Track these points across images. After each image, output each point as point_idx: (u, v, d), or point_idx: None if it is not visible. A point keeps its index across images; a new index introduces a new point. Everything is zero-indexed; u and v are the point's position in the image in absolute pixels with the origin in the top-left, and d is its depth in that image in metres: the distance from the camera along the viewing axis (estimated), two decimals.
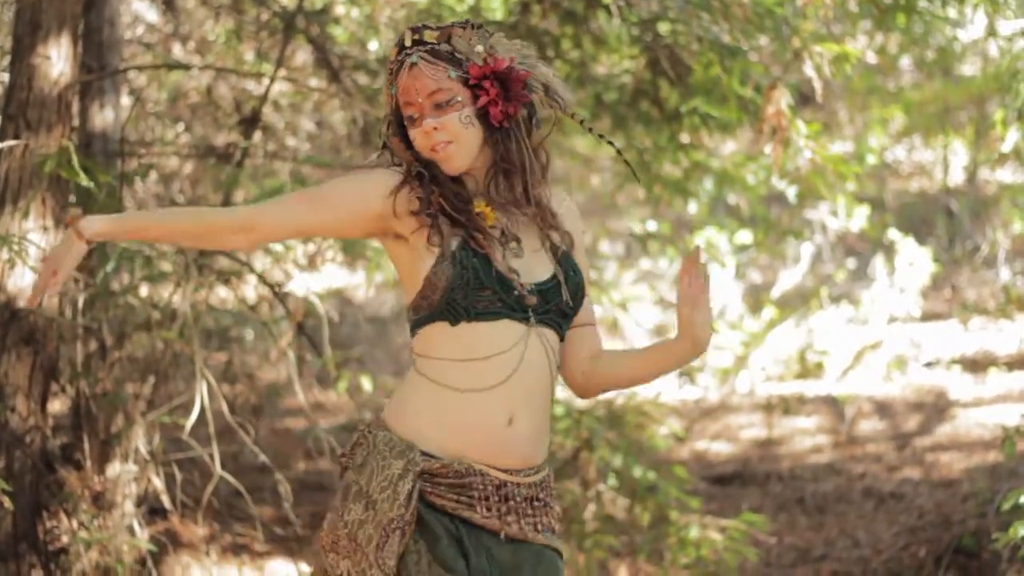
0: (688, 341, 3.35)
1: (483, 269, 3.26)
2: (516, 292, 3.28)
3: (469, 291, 3.26)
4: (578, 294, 3.39)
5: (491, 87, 3.34)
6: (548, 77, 3.45)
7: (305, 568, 7.00)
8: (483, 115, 3.34)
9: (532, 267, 3.34)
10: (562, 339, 3.42)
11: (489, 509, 3.32)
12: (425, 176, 3.34)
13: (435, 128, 3.29)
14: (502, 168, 3.38)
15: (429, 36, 3.35)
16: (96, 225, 3.29)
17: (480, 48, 3.36)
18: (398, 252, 3.39)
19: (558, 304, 3.34)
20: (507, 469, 3.34)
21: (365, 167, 3.50)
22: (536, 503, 3.39)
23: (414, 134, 3.33)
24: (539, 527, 3.39)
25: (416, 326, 3.37)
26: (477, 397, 3.29)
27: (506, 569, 3.33)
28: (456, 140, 3.31)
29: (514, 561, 3.34)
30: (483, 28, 3.41)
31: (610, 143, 3.59)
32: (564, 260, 3.40)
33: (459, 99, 3.32)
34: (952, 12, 7.63)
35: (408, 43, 3.35)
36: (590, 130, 3.62)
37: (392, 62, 3.38)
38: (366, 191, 3.35)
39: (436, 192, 3.32)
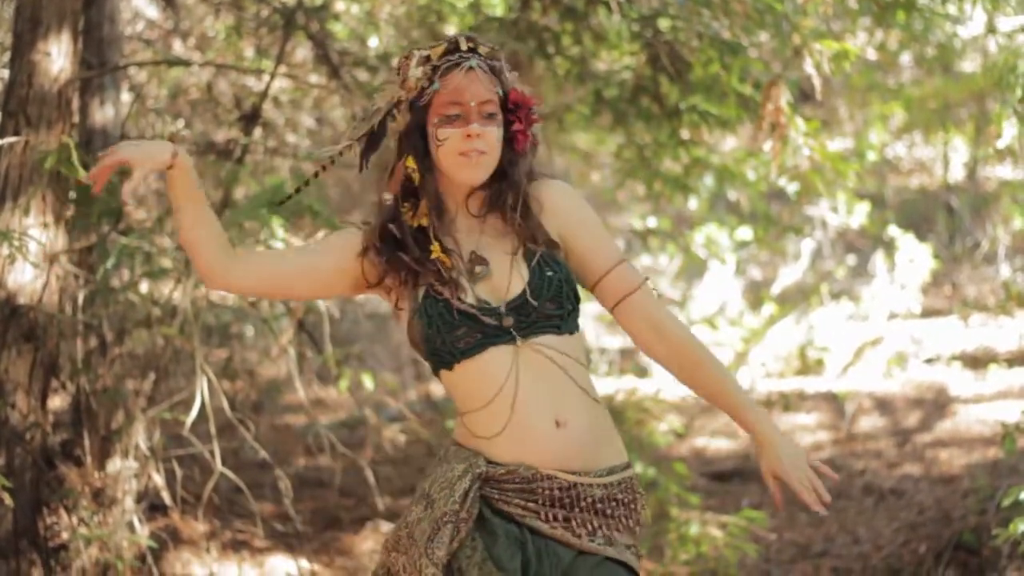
0: (767, 455, 3.55)
1: (447, 311, 3.31)
2: (490, 317, 3.30)
3: (444, 336, 3.31)
4: (560, 292, 3.37)
5: (524, 117, 3.42)
6: (539, 134, 3.53)
7: (305, 564, 7.01)
8: (506, 140, 3.41)
9: (502, 285, 3.36)
10: (572, 332, 3.40)
11: (556, 518, 3.33)
12: (388, 239, 3.40)
13: (479, 135, 3.32)
14: (502, 188, 3.42)
15: (483, 49, 3.41)
16: (187, 164, 3.44)
17: (509, 77, 3.45)
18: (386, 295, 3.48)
19: (540, 311, 3.34)
20: (576, 471, 3.35)
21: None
22: (612, 504, 3.39)
23: (449, 133, 3.33)
24: (612, 539, 3.38)
25: (436, 376, 3.46)
26: (510, 431, 3.33)
27: (566, 573, 3.33)
28: (490, 152, 3.35)
29: (574, 566, 3.34)
30: (506, 62, 3.48)
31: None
32: (541, 262, 3.38)
33: (499, 116, 3.38)
34: (952, 8, 7.63)
35: (464, 48, 3.38)
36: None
37: (438, 59, 3.38)
38: (340, 249, 3.45)
39: (394, 255, 3.39)
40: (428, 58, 3.39)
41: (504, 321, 3.30)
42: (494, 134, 3.35)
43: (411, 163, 3.38)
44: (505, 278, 3.36)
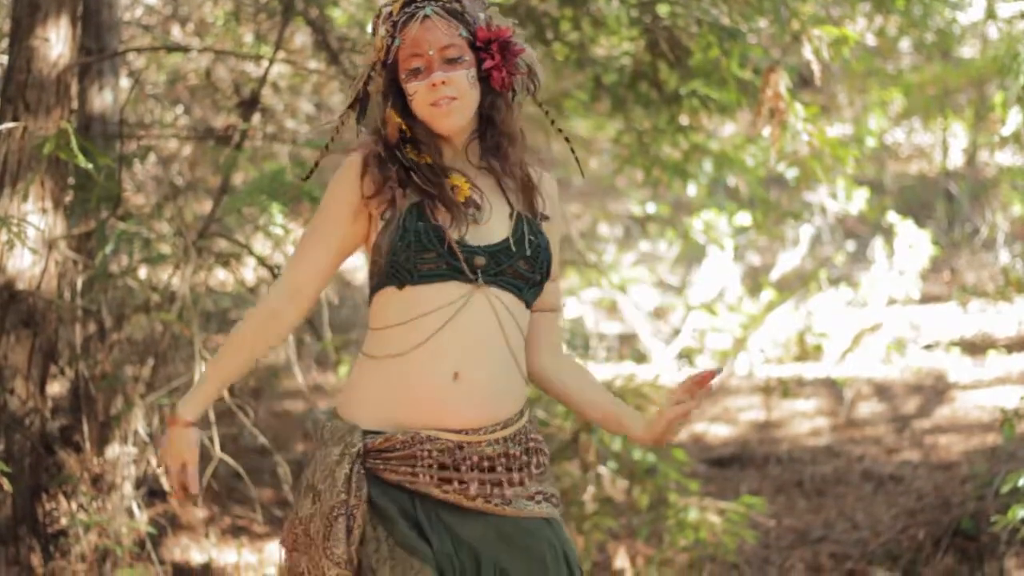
0: (650, 438, 3.46)
1: (426, 233, 3.25)
2: (464, 254, 3.26)
3: (411, 253, 3.25)
4: (537, 257, 3.35)
5: (496, 52, 3.36)
6: (533, 60, 3.47)
7: None
8: (483, 79, 3.36)
9: (489, 230, 3.33)
10: (527, 304, 3.38)
11: (447, 480, 3.27)
12: (381, 154, 3.35)
13: (443, 82, 3.28)
14: (491, 134, 3.39)
15: None
16: (192, 408, 3.42)
17: (482, 15, 3.39)
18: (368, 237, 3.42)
19: (512, 267, 3.31)
20: (461, 429, 3.28)
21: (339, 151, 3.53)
22: (504, 460, 3.32)
23: (416, 87, 3.31)
24: (507, 495, 3.31)
25: (371, 296, 3.39)
26: (415, 356, 3.27)
27: (476, 549, 3.27)
28: (461, 97, 3.30)
29: (482, 537, 3.28)
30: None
31: (566, 139, 3.63)
32: (527, 225, 3.37)
33: (466, 58, 3.33)
34: None
35: None
36: (552, 122, 3.63)
37: (396, 13, 3.35)
38: (342, 194, 3.38)
39: (396, 167, 3.33)
40: (390, 14, 3.36)
41: (476, 260, 3.26)
42: (462, 77, 3.30)
43: (395, 117, 3.34)
44: (491, 225, 3.34)
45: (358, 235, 3.40)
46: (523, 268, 3.33)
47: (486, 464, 3.30)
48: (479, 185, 3.37)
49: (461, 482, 3.28)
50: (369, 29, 3.49)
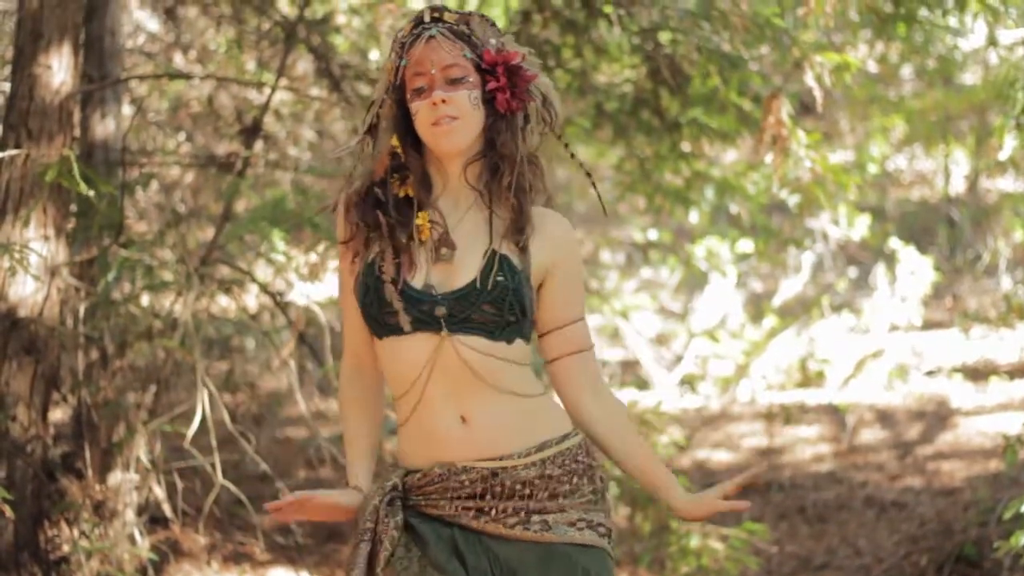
0: (688, 514, 3.48)
1: (380, 288, 3.29)
2: (424, 305, 3.27)
3: (375, 310, 3.30)
4: (504, 299, 3.29)
5: (502, 75, 3.35)
6: (548, 88, 3.46)
7: None
8: (488, 102, 3.35)
9: (457, 272, 3.31)
10: (508, 341, 3.33)
11: (484, 510, 3.29)
12: (360, 194, 3.38)
13: (443, 101, 3.28)
14: (491, 156, 3.38)
15: (448, 17, 3.37)
16: (364, 478, 3.44)
17: (493, 41, 3.39)
18: None
19: (478, 312, 3.28)
20: (495, 457, 3.30)
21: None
22: (543, 483, 3.31)
23: (418, 106, 3.31)
24: (549, 521, 3.31)
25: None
26: (417, 406, 3.32)
27: (514, 565, 3.28)
28: (462, 117, 3.30)
29: (520, 558, 3.29)
30: (496, 26, 3.44)
31: (585, 171, 3.58)
32: (499, 263, 3.32)
33: (470, 79, 3.32)
34: (953, 21, 7.65)
35: (427, 19, 3.36)
36: (572, 155, 3.61)
37: (404, 36, 3.37)
38: (340, 237, 3.43)
39: (371, 209, 3.36)
40: (401, 38, 3.38)
41: (437, 310, 3.26)
42: (463, 98, 3.30)
43: (394, 141, 3.36)
44: (460, 269, 3.32)
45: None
46: (489, 312, 3.29)
47: (524, 490, 3.31)
48: (466, 221, 3.36)
49: (499, 510, 3.30)
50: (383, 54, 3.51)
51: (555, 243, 3.42)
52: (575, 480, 3.37)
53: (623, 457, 3.47)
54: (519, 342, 3.35)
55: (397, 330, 3.28)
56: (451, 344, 3.27)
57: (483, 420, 3.30)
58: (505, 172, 3.37)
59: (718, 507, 3.43)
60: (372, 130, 3.45)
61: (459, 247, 3.33)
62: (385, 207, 3.33)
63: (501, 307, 3.29)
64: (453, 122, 3.29)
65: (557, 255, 3.41)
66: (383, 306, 3.28)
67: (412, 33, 3.35)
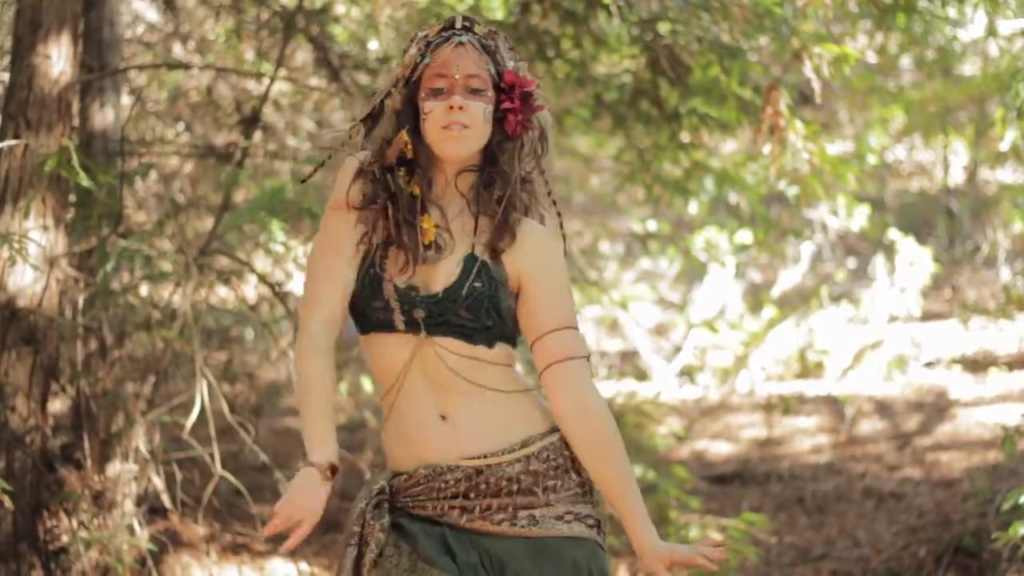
0: (645, 557, 3.42)
1: (377, 282, 3.31)
2: (405, 306, 3.29)
3: (365, 302, 3.32)
4: (480, 305, 3.31)
5: (516, 98, 3.37)
6: (547, 122, 3.49)
7: (305, 567, 7.01)
8: (497, 120, 3.37)
9: (438, 275, 3.33)
10: (489, 345, 3.34)
11: (470, 509, 3.31)
12: (375, 173, 3.37)
13: (460, 107, 3.29)
14: (489, 170, 3.39)
15: (479, 29, 3.40)
16: (328, 450, 3.33)
17: (512, 64, 3.42)
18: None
19: (456, 315, 3.30)
20: (478, 455, 3.32)
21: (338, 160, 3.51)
22: (530, 479, 3.33)
23: (433, 106, 3.31)
24: (536, 516, 3.33)
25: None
26: (396, 402, 3.34)
27: (503, 561, 3.30)
28: (473, 127, 3.31)
29: (509, 552, 3.31)
30: (516, 49, 3.47)
31: (557, 212, 3.52)
32: (477, 270, 3.34)
33: (488, 94, 3.34)
34: (952, 12, 7.64)
35: (459, 25, 3.38)
36: (549, 193, 3.53)
37: (432, 36, 3.38)
38: (339, 193, 3.39)
39: (383, 193, 3.35)
40: (426, 35, 3.39)
41: (415, 313, 3.29)
42: (479, 109, 3.31)
43: (405, 136, 3.35)
44: (442, 269, 3.34)
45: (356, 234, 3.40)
46: (464, 317, 3.30)
47: (510, 486, 3.33)
48: (453, 225, 3.37)
49: (483, 508, 3.31)
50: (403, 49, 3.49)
51: (531, 252, 3.40)
52: (560, 474, 3.38)
53: (598, 481, 3.42)
54: (501, 345, 3.37)
55: (384, 327, 3.31)
56: (430, 345, 3.30)
57: (463, 417, 3.33)
58: (498, 187, 3.38)
59: (680, 561, 3.39)
60: (370, 118, 3.46)
61: (445, 250, 3.35)
62: (396, 200, 3.34)
63: (477, 312, 3.31)
64: (464, 130, 3.30)
65: (532, 264, 3.40)
66: (375, 300, 3.30)
67: (441, 35, 3.37)
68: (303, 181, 3.72)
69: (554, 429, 3.39)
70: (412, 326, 3.30)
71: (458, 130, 3.30)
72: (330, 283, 3.38)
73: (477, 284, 3.32)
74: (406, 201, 3.34)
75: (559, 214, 3.53)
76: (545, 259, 3.43)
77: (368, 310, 3.32)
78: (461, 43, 3.34)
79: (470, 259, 3.35)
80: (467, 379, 3.31)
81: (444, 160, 3.37)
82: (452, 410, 3.32)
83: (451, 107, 3.29)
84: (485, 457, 3.32)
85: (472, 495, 3.31)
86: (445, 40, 3.35)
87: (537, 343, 3.39)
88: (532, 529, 3.32)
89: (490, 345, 3.34)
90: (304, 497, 3.31)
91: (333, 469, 3.29)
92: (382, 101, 3.45)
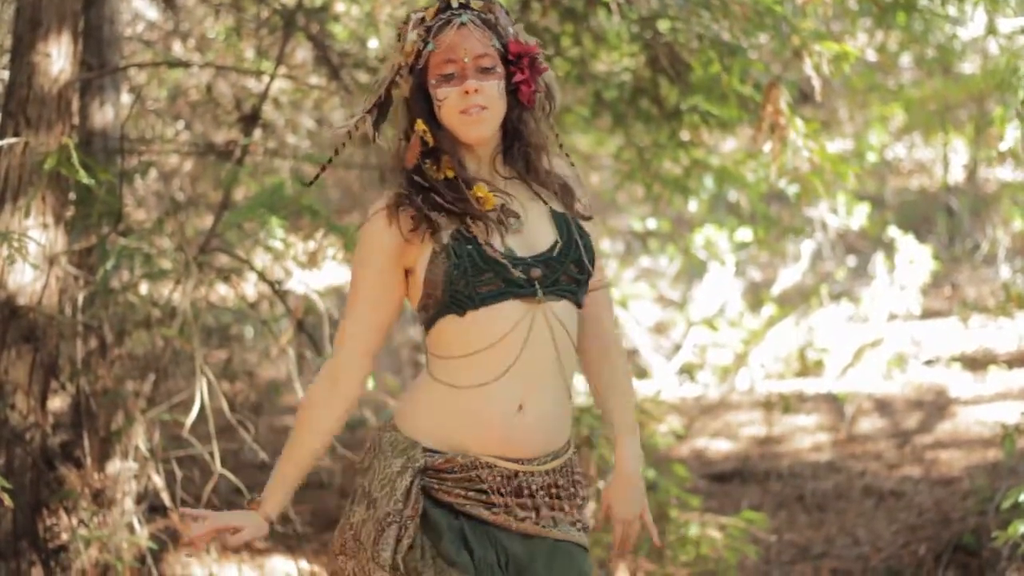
0: (611, 489, 3.62)
1: (478, 253, 3.26)
2: (518, 268, 3.27)
3: (469, 278, 3.25)
4: (589, 257, 3.38)
5: (526, 67, 3.39)
6: (552, 81, 3.50)
7: (305, 565, 7.00)
8: (511, 92, 3.38)
9: (533, 239, 3.35)
10: (580, 305, 3.39)
11: (496, 504, 3.33)
12: (403, 191, 3.35)
13: (476, 90, 3.30)
14: (519, 146, 3.41)
15: (475, 3, 3.39)
16: (270, 504, 3.49)
17: (511, 29, 3.42)
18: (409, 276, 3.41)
19: (567, 272, 3.33)
20: (519, 459, 3.34)
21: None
22: (555, 490, 3.39)
23: (447, 92, 3.32)
24: (556, 519, 3.39)
25: (428, 325, 3.38)
26: (483, 390, 3.30)
27: (521, 563, 3.33)
28: (490, 107, 3.32)
29: (528, 554, 3.34)
30: (508, 13, 3.46)
31: (570, 162, 3.61)
32: (570, 224, 3.40)
33: (498, 69, 3.35)
34: (952, 10, 7.63)
35: (455, 4, 3.37)
36: (560, 145, 3.62)
37: (430, 20, 3.36)
38: (378, 244, 3.35)
39: (421, 196, 3.32)
40: (423, 19, 3.38)
41: (532, 272, 3.28)
42: (493, 87, 3.32)
43: (421, 125, 3.35)
44: (535, 232, 3.35)
45: (401, 284, 3.39)
46: (574, 271, 3.35)
47: (538, 492, 3.38)
48: (511, 191, 3.38)
49: (510, 506, 3.35)
50: (396, 31, 3.48)
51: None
52: (576, 485, 3.48)
53: (603, 394, 3.59)
54: (581, 310, 3.43)
55: (489, 298, 3.26)
56: (543, 314, 3.30)
57: (537, 410, 3.34)
58: (537, 162, 3.42)
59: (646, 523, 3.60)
60: (376, 108, 3.45)
61: (521, 215, 3.36)
62: (436, 190, 3.32)
63: (582, 264, 3.36)
64: (482, 111, 3.31)
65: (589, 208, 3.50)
66: (480, 273, 3.25)
67: (439, 17, 3.36)
68: (310, 184, 3.71)
69: (569, 442, 3.48)
70: (526, 290, 3.28)
71: (477, 112, 3.31)
72: (371, 315, 3.41)
73: (579, 238, 3.39)
74: (445, 187, 3.33)
75: (572, 164, 3.60)
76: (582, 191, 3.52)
77: (475, 285, 3.26)
78: (463, 23, 3.34)
79: (559, 216, 3.39)
80: (563, 362, 3.36)
81: (472, 142, 3.37)
82: (530, 402, 3.32)
83: (466, 91, 3.29)
84: (521, 463, 3.36)
85: (501, 492, 3.34)
86: (446, 23, 3.34)
87: (593, 293, 3.47)
88: (553, 531, 3.38)
89: (580, 304, 3.40)
90: (245, 521, 3.47)
91: (271, 522, 3.45)
92: (388, 90, 3.44)
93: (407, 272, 3.37)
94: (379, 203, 3.37)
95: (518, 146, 3.41)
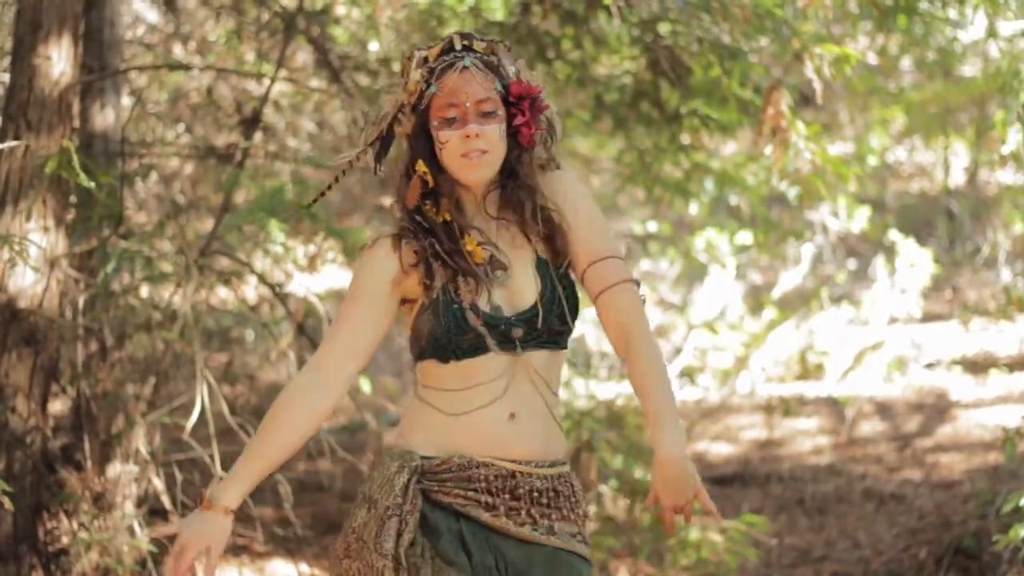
0: (662, 460, 3.43)
1: (461, 314, 3.31)
2: (501, 326, 3.32)
3: (451, 336, 3.31)
4: (573, 309, 3.42)
5: (527, 109, 3.41)
6: (554, 117, 3.53)
7: (305, 568, 7.00)
8: (511, 134, 3.40)
9: (518, 295, 3.38)
10: (565, 348, 3.43)
11: (495, 507, 3.34)
12: (408, 227, 3.39)
13: (477, 135, 3.32)
14: (512, 187, 3.42)
15: (478, 46, 3.41)
16: (234, 494, 3.44)
17: (512, 69, 3.44)
18: (404, 308, 3.46)
19: (548, 327, 3.37)
20: (516, 460, 3.37)
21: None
22: (552, 496, 3.40)
23: (448, 135, 3.34)
24: (555, 528, 3.39)
25: (415, 361, 3.45)
26: (472, 414, 3.36)
27: (519, 569, 3.35)
28: (491, 151, 3.35)
29: (527, 559, 3.35)
30: (511, 50, 3.48)
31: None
32: (553, 275, 3.41)
33: (499, 113, 3.37)
34: (953, 13, 7.63)
35: (458, 46, 3.39)
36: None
37: (434, 60, 3.38)
38: (378, 270, 3.40)
39: (426, 236, 3.37)
40: (426, 59, 3.39)
41: (513, 332, 3.32)
42: (494, 132, 3.34)
43: (422, 167, 3.37)
44: (520, 287, 3.38)
45: (392, 311, 3.44)
46: (558, 324, 3.38)
47: (536, 495, 3.39)
48: (499, 239, 3.41)
49: (510, 509, 3.36)
50: (399, 67, 3.50)
51: (555, 195, 3.46)
52: (574, 497, 3.47)
53: (642, 386, 3.43)
54: (563, 351, 3.46)
55: (475, 352, 3.32)
56: (523, 365, 3.35)
57: (527, 421, 3.38)
58: (527, 203, 3.41)
59: (692, 492, 3.50)
60: (378, 141, 3.47)
61: (509, 266, 3.39)
62: (435, 234, 3.36)
63: (565, 317, 3.39)
64: (483, 156, 3.34)
65: (562, 206, 3.45)
66: (464, 333, 3.31)
67: (443, 59, 3.38)
68: (308, 206, 3.75)
69: (566, 461, 3.50)
70: (506, 345, 3.33)
71: (477, 157, 3.33)
72: (357, 323, 3.45)
73: (563, 289, 3.41)
74: (443, 231, 3.37)
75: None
76: (572, 197, 3.49)
77: (457, 342, 3.32)
78: (466, 67, 3.35)
79: (543, 264, 3.41)
80: (545, 400, 3.41)
81: (469, 185, 3.39)
82: (521, 415, 3.37)
83: (467, 136, 3.31)
84: (519, 463, 3.38)
85: (498, 493, 3.36)
86: (449, 65, 3.36)
87: (587, 273, 3.45)
88: (551, 539, 3.38)
89: (566, 347, 3.44)
90: (209, 528, 3.41)
91: (232, 512, 3.42)
92: (391, 125, 3.46)
93: (402, 301, 3.43)
94: (384, 231, 3.44)
95: (512, 186, 3.43)
